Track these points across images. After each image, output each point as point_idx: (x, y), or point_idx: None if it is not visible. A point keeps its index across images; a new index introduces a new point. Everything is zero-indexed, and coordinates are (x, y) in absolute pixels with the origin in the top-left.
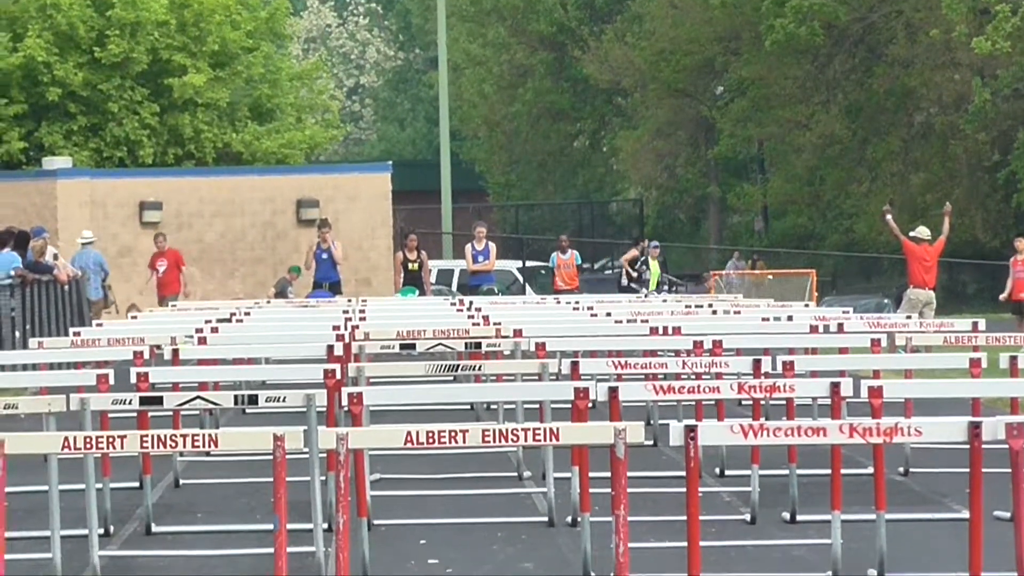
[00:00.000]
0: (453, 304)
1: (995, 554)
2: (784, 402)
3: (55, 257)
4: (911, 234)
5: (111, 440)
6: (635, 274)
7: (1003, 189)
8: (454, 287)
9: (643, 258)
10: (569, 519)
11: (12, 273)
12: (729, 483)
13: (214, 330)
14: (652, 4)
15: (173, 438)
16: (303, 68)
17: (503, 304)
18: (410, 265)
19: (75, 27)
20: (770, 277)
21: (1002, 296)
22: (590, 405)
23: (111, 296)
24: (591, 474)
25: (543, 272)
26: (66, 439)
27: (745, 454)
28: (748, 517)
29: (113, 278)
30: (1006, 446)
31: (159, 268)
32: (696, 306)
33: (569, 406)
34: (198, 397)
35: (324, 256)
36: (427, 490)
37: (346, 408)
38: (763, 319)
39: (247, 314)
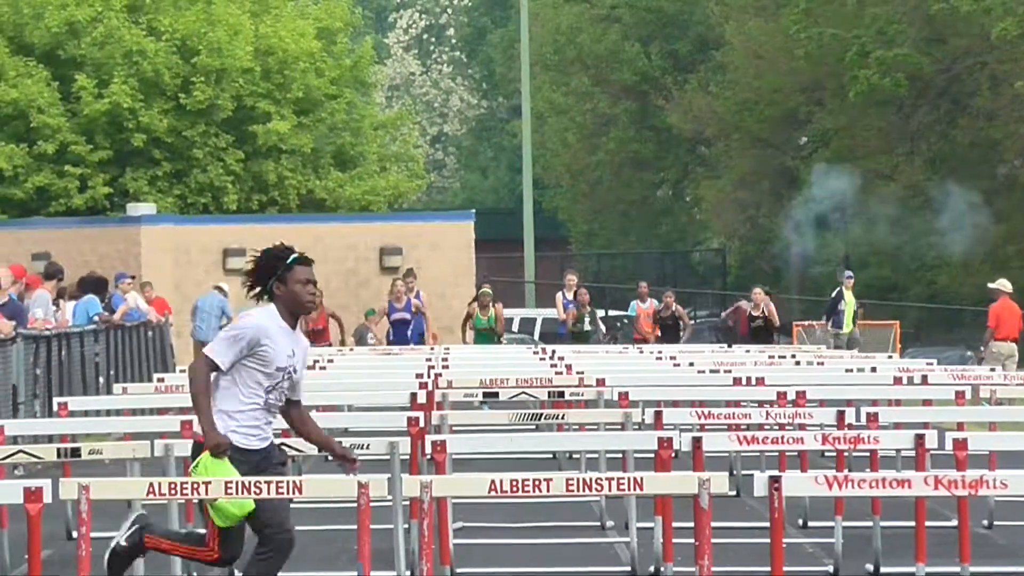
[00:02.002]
0: (536, 353)
1: None
2: (868, 454)
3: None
4: (991, 286)
5: (195, 487)
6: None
7: None
8: (536, 335)
9: (836, 290)
10: (652, 569)
11: (96, 319)
12: (812, 534)
13: None
14: (736, 54)
15: (257, 484)
16: (387, 117)
17: (585, 353)
18: (480, 322)
19: (160, 74)
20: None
21: None
22: (673, 455)
23: None
24: (674, 524)
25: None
26: (151, 485)
27: (829, 505)
28: (831, 569)
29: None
30: None
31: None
32: (779, 356)
33: (652, 456)
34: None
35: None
36: (510, 539)
37: (429, 456)
38: (847, 370)
39: (330, 361)
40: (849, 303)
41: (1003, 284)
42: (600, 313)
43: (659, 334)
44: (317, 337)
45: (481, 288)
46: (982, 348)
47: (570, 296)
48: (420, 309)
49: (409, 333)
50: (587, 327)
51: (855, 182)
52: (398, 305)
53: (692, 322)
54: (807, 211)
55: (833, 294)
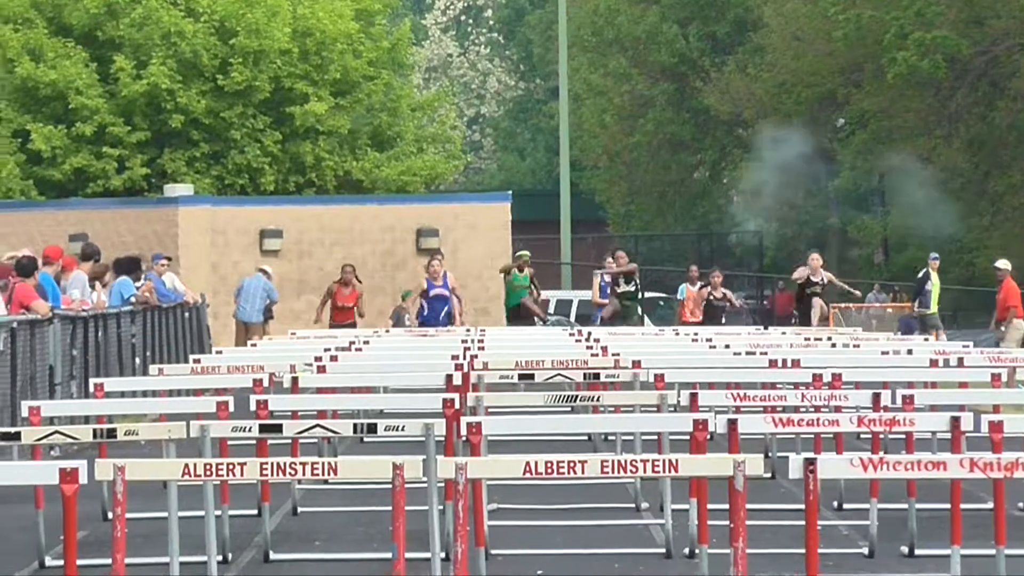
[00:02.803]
0: (572, 334)
1: None
2: (903, 436)
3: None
4: (998, 266)
5: (230, 467)
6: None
7: None
8: (572, 317)
9: (923, 271)
10: (687, 551)
11: (132, 300)
12: (847, 516)
13: (333, 359)
14: (774, 36)
15: (292, 466)
16: (425, 98)
17: (621, 335)
18: (517, 279)
19: (199, 55)
20: (889, 311)
21: None
22: (709, 437)
23: (268, 325)
24: (709, 506)
25: (662, 303)
26: (186, 466)
27: (864, 487)
28: (866, 551)
29: (228, 304)
30: None
31: None
32: (815, 339)
33: (687, 438)
34: (317, 425)
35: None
36: (544, 520)
37: (465, 438)
38: (883, 352)
39: (366, 343)
40: (936, 284)
41: (1006, 264)
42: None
43: (700, 318)
44: (345, 314)
45: (519, 251)
46: (1003, 327)
47: (608, 279)
48: (455, 288)
49: (442, 314)
50: (631, 287)
51: (802, 146)
52: (436, 282)
53: (743, 303)
54: (761, 175)
55: (920, 274)
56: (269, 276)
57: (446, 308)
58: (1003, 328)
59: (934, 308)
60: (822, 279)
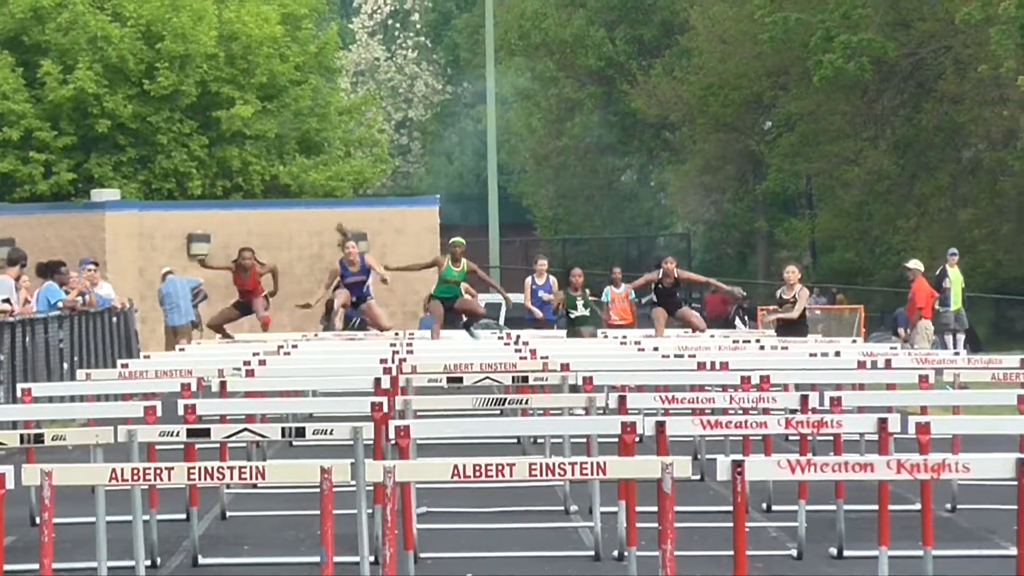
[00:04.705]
0: (500, 338)
1: None
2: (831, 438)
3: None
4: (908, 266)
5: (158, 472)
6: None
7: None
8: (501, 321)
9: (940, 269)
10: (616, 553)
11: (60, 305)
12: (776, 518)
13: (262, 363)
14: (701, 39)
15: (220, 470)
16: (352, 102)
17: (550, 338)
18: (451, 273)
19: (125, 60)
20: (818, 312)
21: None
22: (637, 439)
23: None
24: (638, 508)
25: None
26: (114, 471)
27: (792, 489)
28: (795, 552)
29: (156, 310)
30: None
31: None
32: (743, 341)
33: (616, 440)
34: (245, 429)
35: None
36: (473, 523)
37: (393, 441)
38: (810, 355)
39: (295, 347)
40: (956, 280)
41: (916, 264)
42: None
43: (630, 320)
44: (250, 295)
45: (453, 239)
46: (910, 328)
47: (540, 281)
48: (372, 265)
49: (364, 291)
50: (585, 312)
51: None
52: (352, 268)
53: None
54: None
55: (937, 272)
56: (173, 272)
57: (365, 289)
58: (911, 330)
59: (956, 305)
60: (794, 297)
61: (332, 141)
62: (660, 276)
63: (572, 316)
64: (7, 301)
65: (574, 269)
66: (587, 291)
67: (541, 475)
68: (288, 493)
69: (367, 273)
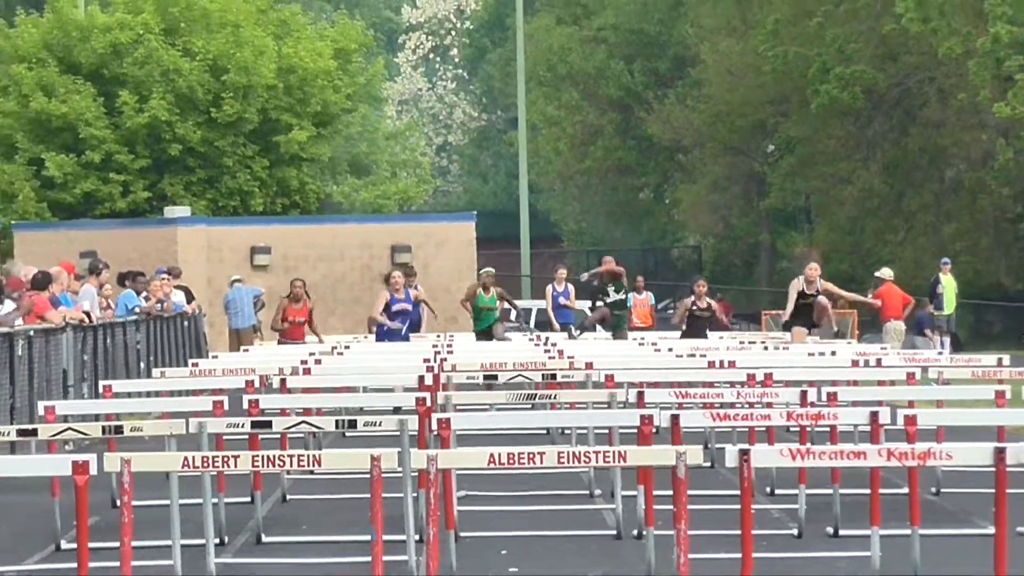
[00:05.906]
0: (531, 340)
1: (1018, 566)
2: (828, 429)
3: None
4: (877, 275)
5: (226, 459)
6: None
7: None
8: (531, 324)
9: (934, 276)
10: (635, 532)
11: (136, 310)
12: (778, 501)
13: (317, 362)
14: (710, 71)
15: (281, 458)
16: (397, 128)
17: (577, 340)
18: (483, 300)
19: (194, 90)
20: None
21: None
22: (654, 431)
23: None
24: (655, 492)
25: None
26: (185, 458)
27: (793, 475)
28: (795, 532)
29: (222, 315)
30: None
31: None
32: (749, 342)
33: (635, 431)
34: (303, 422)
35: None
36: (508, 506)
37: (435, 432)
38: (809, 354)
39: (347, 347)
40: (948, 286)
41: (886, 272)
42: (588, 304)
43: (650, 324)
44: (296, 330)
45: (483, 268)
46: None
47: (560, 288)
48: (419, 298)
49: (414, 318)
50: (619, 296)
51: None
52: (399, 296)
53: (732, 323)
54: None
55: (931, 280)
56: (242, 281)
57: (408, 322)
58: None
59: (949, 310)
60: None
61: (379, 163)
62: (692, 300)
63: (607, 301)
64: (87, 314)
65: (605, 256)
66: (623, 280)
67: (568, 462)
68: (342, 479)
69: (412, 304)
